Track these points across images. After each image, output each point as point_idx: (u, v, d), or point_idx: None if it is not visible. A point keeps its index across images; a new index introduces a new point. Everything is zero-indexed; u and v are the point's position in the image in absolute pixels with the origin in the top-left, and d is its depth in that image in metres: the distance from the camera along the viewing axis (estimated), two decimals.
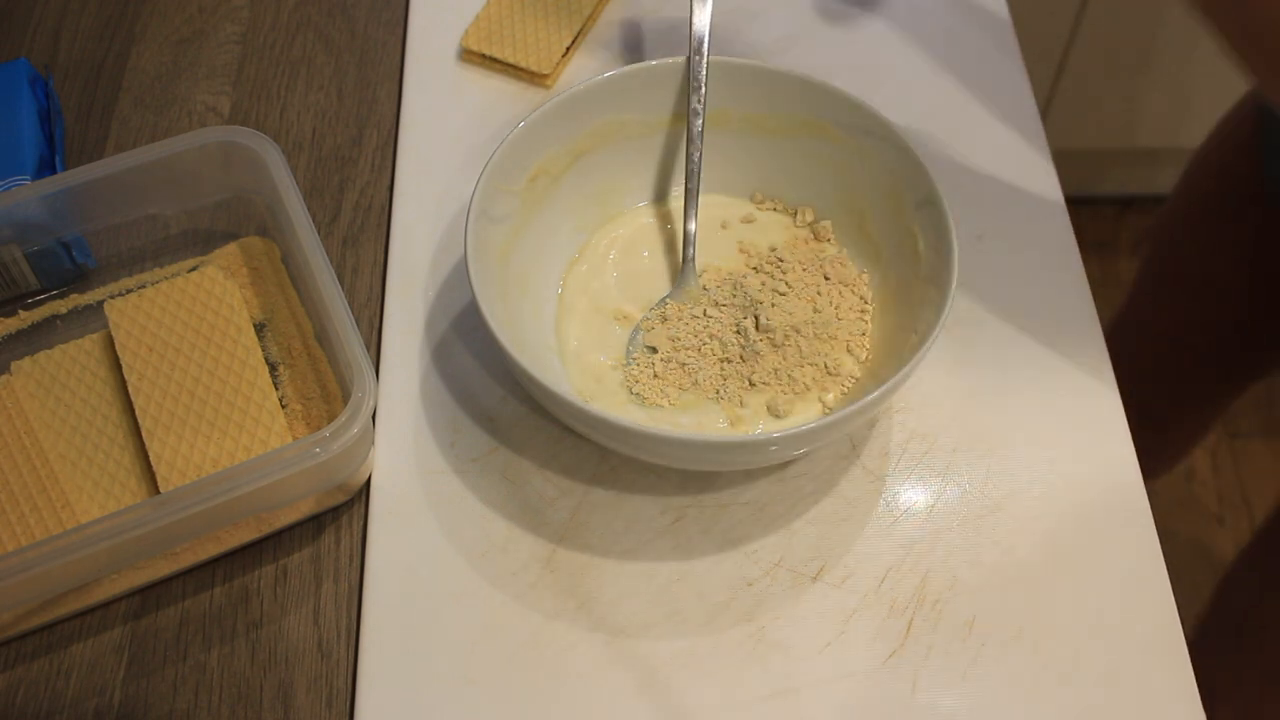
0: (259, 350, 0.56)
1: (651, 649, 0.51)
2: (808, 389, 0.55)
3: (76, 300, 0.60)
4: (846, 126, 0.58)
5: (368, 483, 0.55)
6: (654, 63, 0.59)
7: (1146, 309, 0.95)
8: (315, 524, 0.54)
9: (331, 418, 0.54)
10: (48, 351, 0.57)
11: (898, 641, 0.51)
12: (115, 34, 0.72)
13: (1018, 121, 0.67)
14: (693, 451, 0.50)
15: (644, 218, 0.62)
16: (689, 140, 0.59)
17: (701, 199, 0.60)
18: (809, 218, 0.61)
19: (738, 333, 0.57)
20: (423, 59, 0.70)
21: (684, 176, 0.59)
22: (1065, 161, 0.73)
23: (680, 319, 0.58)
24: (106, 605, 0.52)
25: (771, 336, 0.56)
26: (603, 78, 0.58)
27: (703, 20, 0.59)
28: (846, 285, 0.59)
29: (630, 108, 0.59)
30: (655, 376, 0.56)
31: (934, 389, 0.58)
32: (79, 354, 0.57)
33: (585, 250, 0.61)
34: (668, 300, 0.58)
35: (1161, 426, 0.98)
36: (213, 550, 0.52)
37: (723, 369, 0.56)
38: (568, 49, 0.69)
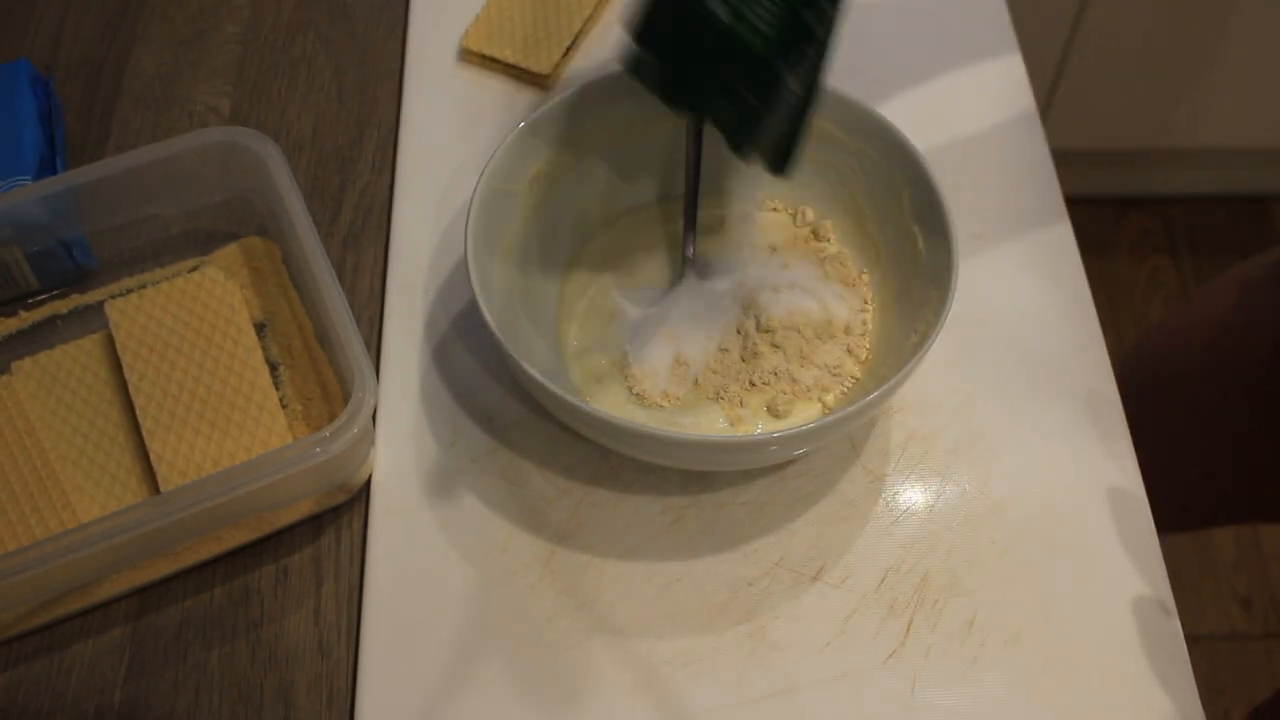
0: (259, 350, 0.56)
1: (651, 649, 0.51)
2: (808, 389, 0.56)
3: (77, 300, 0.60)
4: (847, 127, 0.58)
5: (368, 482, 0.55)
6: None
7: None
8: (315, 524, 0.54)
9: (332, 418, 0.54)
10: (48, 351, 0.57)
11: (897, 641, 0.51)
12: (116, 35, 0.72)
13: (1018, 121, 0.67)
14: (693, 451, 0.51)
15: (644, 218, 0.62)
16: (689, 140, 0.59)
17: (702, 199, 0.60)
18: (809, 218, 0.61)
19: (738, 333, 0.57)
20: (423, 59, 0.70)
21: (684, 176, 0.59)
22: (1065, 161, 0.73)
23: (681, 319, 0.58)
24: (107, 605, 0.52)
25: (771, 336, 0.56)
26: (603, 77, 0.58)
27: None
28: (846, 285, 0.59)
29: (630, 107, 0.59)
30: (655, 376, 0.56)
31: (934, 389, 0.58)
32: (80, 354, 0.57)
33: (585, 250, 0.61)
34: (668, 299, 0.58)
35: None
36: (213, 550, 0.53)
37: (723, 369, 0.56)
38: (568, 49, 0.69)
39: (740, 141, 0.51)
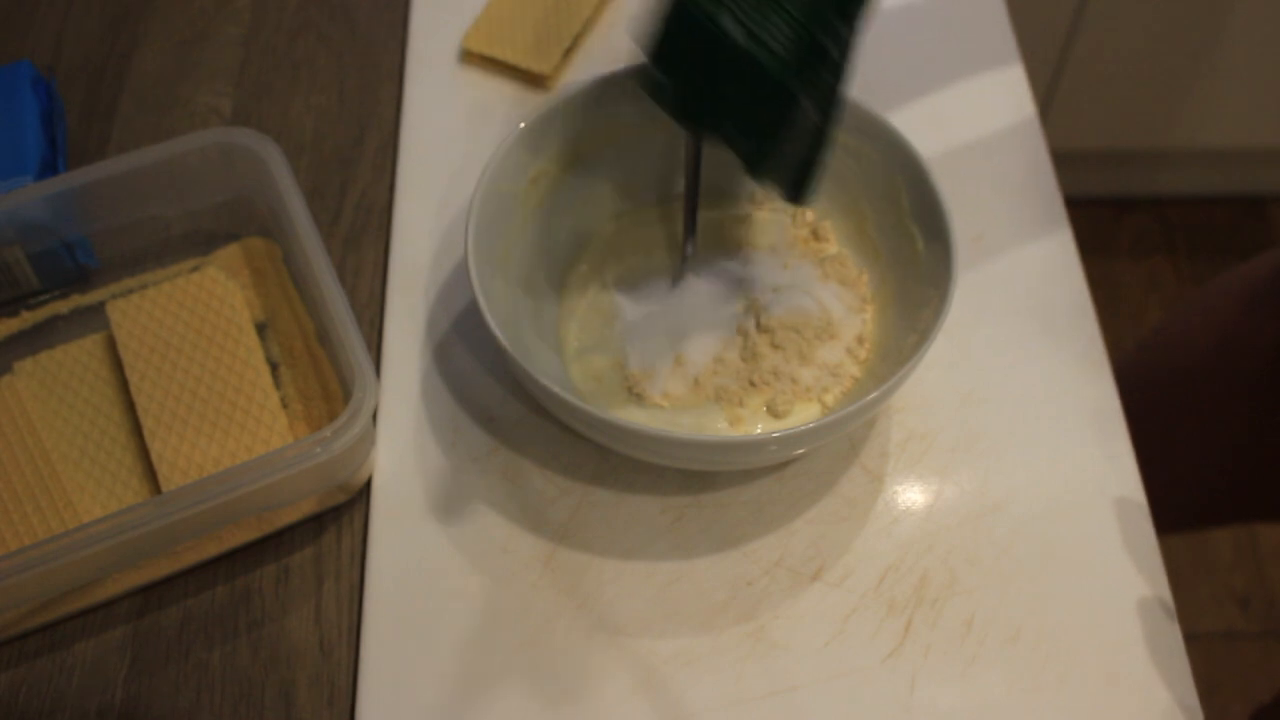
0: (260, 350, 0.56)
1: (651, 649, 0.51)
2: (808, 389, 0.56)
3: (78, 301, 0.60)
4: (846, 127, 0.58)
5: (369, 482, 0.55)
6: None
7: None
8: (316, 523, 0.55)
9: (333, 418, 0.54)
10: (50, 352, 0.57)
11: (896, 641, 0.51)
12: (118, 35, 0.72)
13: (1018, 121, 0.67)
14: (693, 451, 0.51)
15: (644, 217, 0.62)
16: (689, 141, 0.59)
17: (702, 199, 0.60)
18: (809, 218, 0.61)
19: (738, 333, 0.57)
20: (423, 60, 0.70)
21: (684, 176, 0.59)
22: (1065, 161, 0.73)
23: (680, 319, 0.58)
24: (109, 604, 0.53)
25: (771, 336, 0.56)
26: (603, 77, 0.58)
27: None
28: (846, 285, 0.59)
29: (630, 108, 0.59)
30: (655, 376, 0.56)
31: (933, 389, 0.58)
32: (81, 354, 0.57)
33: (585, 250, 0.61)
34: (668, 299, 0.58)
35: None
36: (214, 550, 0.53)
37: (722, 369, 0.56)
38: (568, 49, 0.69)
39: (756, 165, 0.51)
